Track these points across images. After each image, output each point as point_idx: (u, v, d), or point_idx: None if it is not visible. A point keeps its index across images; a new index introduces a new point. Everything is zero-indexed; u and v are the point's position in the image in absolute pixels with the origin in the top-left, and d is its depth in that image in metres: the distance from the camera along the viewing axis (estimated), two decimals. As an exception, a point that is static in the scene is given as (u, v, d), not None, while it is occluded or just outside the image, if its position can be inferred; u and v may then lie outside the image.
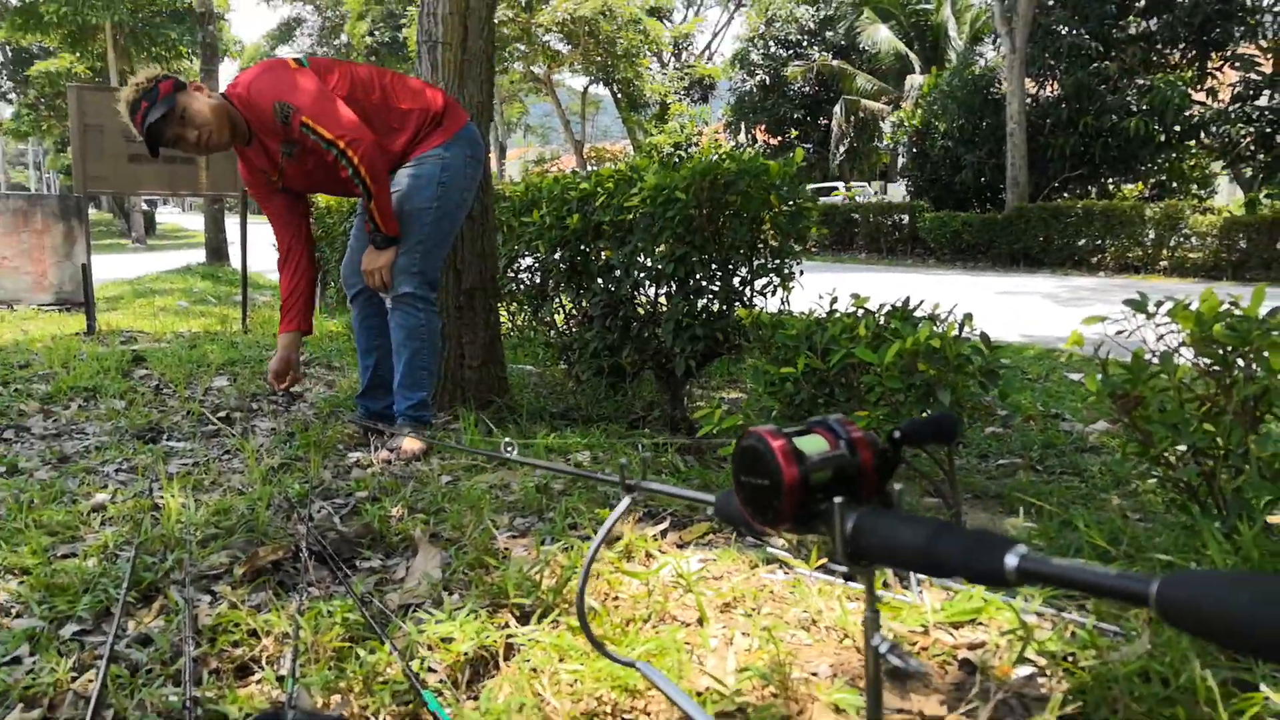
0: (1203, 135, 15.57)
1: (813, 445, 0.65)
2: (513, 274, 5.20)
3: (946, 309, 3.32)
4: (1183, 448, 2.21)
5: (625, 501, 0.98)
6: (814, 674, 1.38)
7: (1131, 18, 15.88)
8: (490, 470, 2.71)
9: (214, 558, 2.00)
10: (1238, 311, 2.06)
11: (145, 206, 25.58)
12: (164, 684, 1.48)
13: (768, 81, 25.36)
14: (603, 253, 4.29)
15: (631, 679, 1.30)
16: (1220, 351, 2.09)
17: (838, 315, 3.34)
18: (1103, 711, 1.23)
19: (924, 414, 2.63)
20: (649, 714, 1.29)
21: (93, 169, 6.51)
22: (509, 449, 1.57)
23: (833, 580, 1.70)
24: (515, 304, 5.49)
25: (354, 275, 3.38)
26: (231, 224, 15.12)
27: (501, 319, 4.73)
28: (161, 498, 2.41)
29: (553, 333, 5.04)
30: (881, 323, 3.21)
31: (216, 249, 14.87)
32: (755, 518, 0.68)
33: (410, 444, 3.03)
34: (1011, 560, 0.51)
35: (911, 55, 23.20)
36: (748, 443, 0.67)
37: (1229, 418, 2.08)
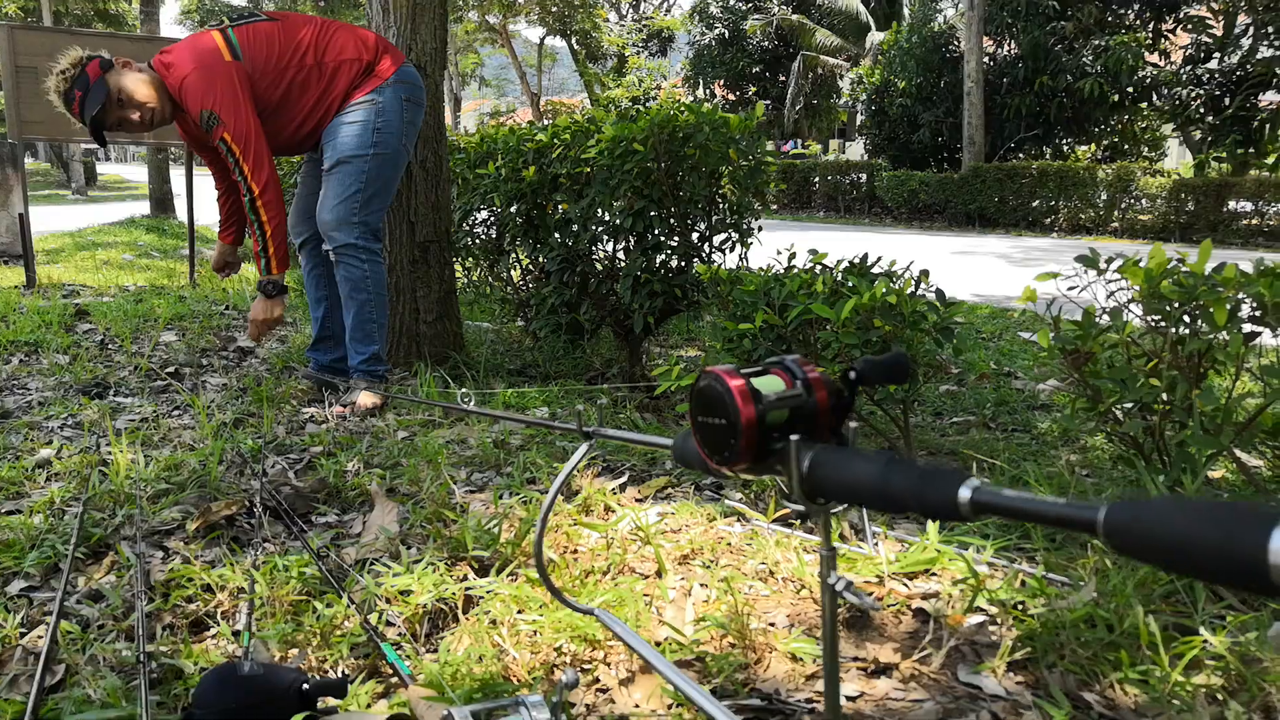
0: (1154, 97, 15.76)
1: (770, 385, 0.65)
2: (468, 228, 5.12)
3: (903, 266, 3.35)
4: (1130, 403, 2.26)
5: (583, 448, 0.97)
6: (771, 624, 1.40)
7: (1088, -23, 15.94)
8: (447, 425, 2.69)
9: (166, 513, 1.97)
10: (1184, 268, 2.10)
11: (85, 156, 24.73)
12: (116, 639, 1.46)
13: (726, 35, 25.10)
14: (560, 206, 4.25)
15: (591, 629, 1.30)
16: (1167, 308, 2.13)
17: (795, 271, 3.35)
18: (1050, 656, 1.26)
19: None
20: (608, 664, 1.30)
21: (27, 113, 6.25)
22: (466, 400, 1.55)
23: (789, 532, 1.72)
24: (471, 259, 5.42)
25: (301, 224, 3.33)
26: (177, 175, 14.70)
27: (457, 274, 4.67)
28: (110, 453, 2.36)
29: (509, 288, 4.99)
30: (839, 279, 3.24)
31: (161, 201, 14.44)
32: (712, 458, 0.68)
33: (365, 399, 2.99)
34: (965, 493, 0.52)
35: (867, 14, 23.11)
36: (704, 382, 0.67)
37: (1174, 373, 2.13)
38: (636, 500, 2.01)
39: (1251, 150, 14.65)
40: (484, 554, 1.62)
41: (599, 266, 4.38)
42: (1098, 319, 2.27)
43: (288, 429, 2.75)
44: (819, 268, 3.37)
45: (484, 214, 5.02)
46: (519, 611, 1.40)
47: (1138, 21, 15.81)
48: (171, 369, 3.58)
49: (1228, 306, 1.94)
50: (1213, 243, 2.08)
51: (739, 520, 1.85)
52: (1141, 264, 2.17)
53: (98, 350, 3.94)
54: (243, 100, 2.86)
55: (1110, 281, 2.27)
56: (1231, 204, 13.17)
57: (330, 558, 1.74)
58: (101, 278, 7.01)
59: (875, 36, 21.46)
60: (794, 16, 23.64)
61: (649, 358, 4.56)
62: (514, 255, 4.84)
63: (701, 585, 1.52)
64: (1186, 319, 2.10)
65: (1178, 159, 20.47)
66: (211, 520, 1.94)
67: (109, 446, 2.44)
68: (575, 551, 1.69)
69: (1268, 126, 14.70)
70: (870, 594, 1.47)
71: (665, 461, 2.34)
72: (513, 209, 4.49)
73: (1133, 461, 2.33)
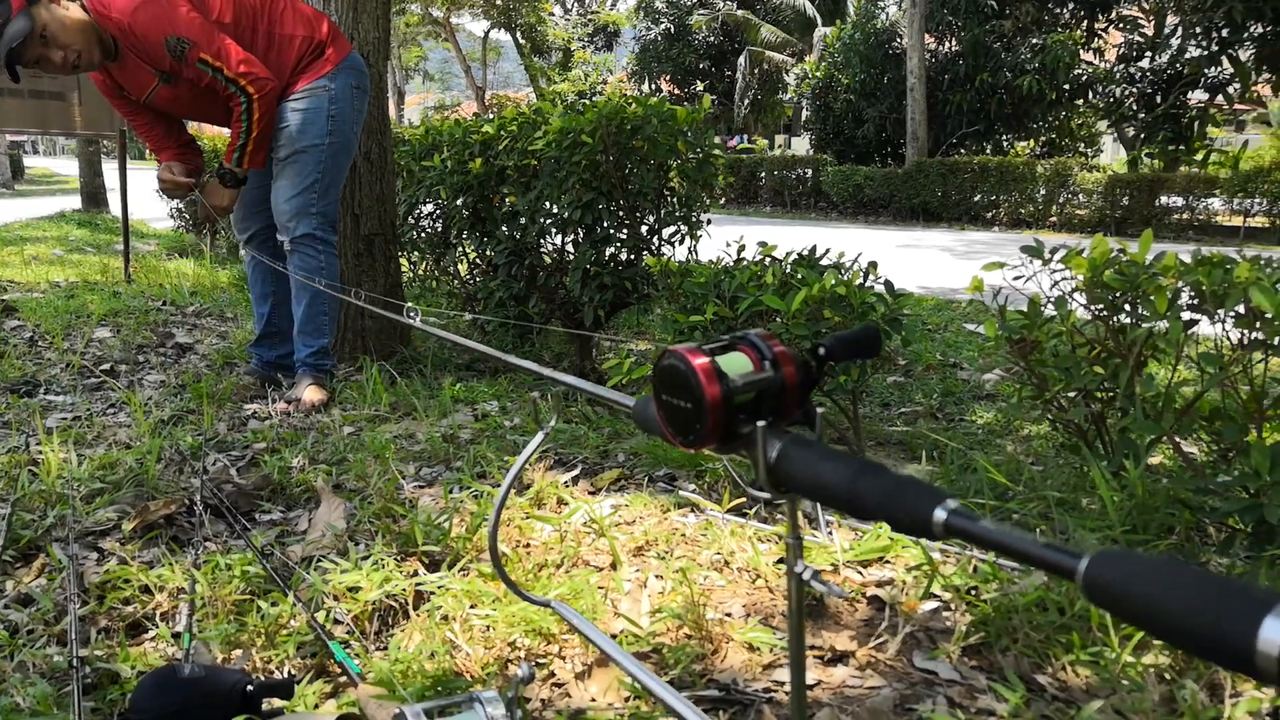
0: (1090, 95, 16.14)
1: (735, 363, 0.63)
2: (413, 221, 5.05)
3: (851, 259, 3.38)
4: (1074, 391, 2.30)
5: (538, 437, 0.95)
6: (728, 614, 1.39)
7: (1025, -24, 16.25)
8: (395, 420, 2.64)
9: (100, 513, 1.90)
10: (1125, 258, 2.14)
11: (10, 149, 23.88)
12: (48, 644, 1.40)
13: (672, 30, 25.13)
14: (507, 199, 4.20)
15: (546, 623, 1.28)
16: (1110, 297, 2.17)
17: (745, 264, 3.36)
18: (1003, 640, 1.27)
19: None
20: (563, 657, 1.28)
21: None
22: (411, 315, 1.51)
23: (745, 522, 1.71)
24: (416, 253, 5.34)
25: (247, 217, 3.23)
26: (110, 169, 14.26)
27: (402, 268, 4.60)
28: (40, 452, 2.27)
29: (456, 282, 4.93)
30: (788, 271, 3.25)
31: (93, 195, 13.98)
32: (676, 437, 0.66)
33: (311, 393, 2.93)
34: (940, 514, 0.50)
35: (813, 9, 23.30)
36: (668, 362, 0.65)
37: (1117, 360, 2.17)
38: (589, 493, 1.99)
39: (1182, 147, 15.08)
40: (435, 549, 1.59)
41: (548, 259, 4.34)
42: (1043, 308, 2.30)
43: (229, 426, 2.68)
44: (768, 260, 3.38)
45: (429, 207, 4.95)
46: (472, 606, 1.38)
47: (1073, 20, 16.17)
48: (106, 366, 3.47)
49: (1168, 295, 1.98)
50: (1139, 236, 2.12)
51: (693, 511, 1.84)
52: (1084, 254, 2.21)
53: (27, 348, 3.80)
54: (203, 16, 2.75)
55: (1055, 272, 2.31)
56: (1164, 199, 13.54)
57: (275, 556, 1.70)
58: (30, 273, 6.77)
59: (820, 32, 21.64)
60: (740, 12, 23.75)
61: (599, 351, 4.54)
62: (460, 248, 4.78)
63: (657, 577, 1.50)
64: (1128, 307, 2.14)
65: (1112, 155, 20.97)
66: (149, 520, 1.87)
67: (39, 445, 2.34)
68: (528, 545, 1.66)
69: (1196, 124, 15.14)
70: (825, 582, 1.47)
71: (618, 454, 2.33)
72: (459, 202, 4.43)
73: (1077, 448, 2.38)
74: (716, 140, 4.11)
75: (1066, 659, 1.22)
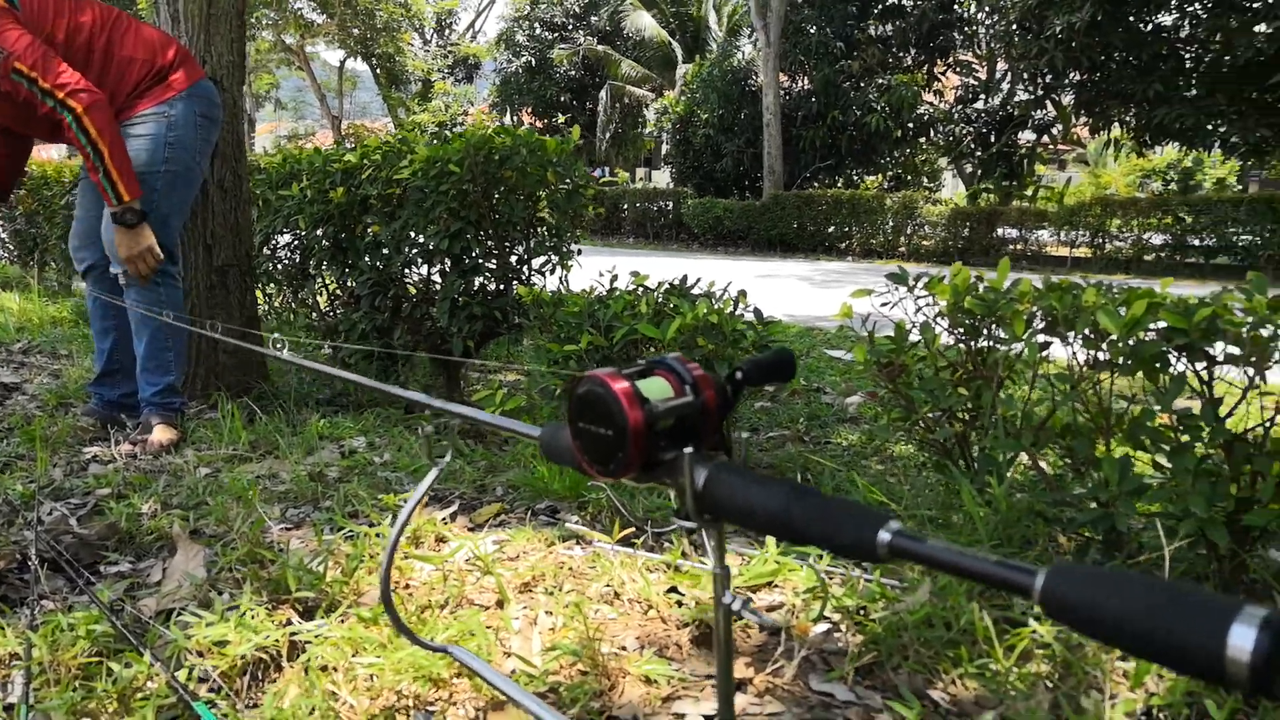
0: (932, 133, 17.13)
1: (655, 388, 0.61)
2: (269, 252, 4.83)
3: (720, 288, 3.43)
4: (939, 412, 2.39)
5: (433, 473, 0.90)
6: (622, 647, 1.36)
7: (871, 21, 17.16)
8: (256, 459, 2.50)
9: (-84, 574, 1.70)
10: (984, 285, 2.25)
11: None
12: None
13: (534, 63, 25.24)
14: (370, 229, 4.08)
15: (434, 668, 1.22)
16: (970, 321, 2.27)
17: (618, 293, 3.36)
18: (895, 658, 1.29)
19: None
20: (454, 703, 1.21)
21: None
22: (279, 347, 1.42)
23: (633, 552, 1.69)
24: (272, 284, 5.11)
25: (84, 248, 3.00)
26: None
27: (258, 300, 4.39)
28: None
29: (314, 315, 4.74)
30: (661, 300, 3.27)
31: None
32: (594, 467, 0.63)
33: (160, 434, 2.73)
34: (884, 536, 0.49)
35: (675, 44, 23.88)
36: (587, 388, 0.62)
37: (979, 382, 2.27)
38: (469, 529, 1.92)
39: (1014, 182, 16.18)
40: (309, 595, 1.49)
41: (413, 290, 4.23)
42: (908, 333, 2.39)
43: (66, 471, 2.46)
44: (641, 289, 3.39)
45: (286, 237, 4.76)
46: (354, 654, 1.29)
47: (914, 64, 17.16)
48: (-81, 410, 3.15)
49: (1024, 319, 2.09)
50: (979, 266, 2.24)
51: (578, 543, 1.80)
52: (946, 281, 2.31)
53: None
54: (23, 28, 2.53)
55: (919, 298, 2.41)
56: (1000, 230, 14.45)
57: (126, 611, 1.55)
58: None
59: (681, 69, 22.17)
60: (600, 47, 24.08)
61: (467, 383, 4.45)
62: (320, 280, 4.61)
63: (547, 613, 1.46)
64: (987, 331, 2.24)
65: (952, 189, 22.27)
66: (-24, 578, 1.69)
67: None
68: (408, 586, 1.58)
69: (1026, 161, 16.29)
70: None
71: (496, 487, 2.26)
72: (319, 232, 4.28)
73: (943, 467, 2.47)
74: (587, 171, 4.12)
75: (956, 673, 1.24)
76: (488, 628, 1.40)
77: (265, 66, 33.03)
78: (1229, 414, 1.94)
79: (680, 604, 1.49)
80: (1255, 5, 11.70)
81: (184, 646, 1.34)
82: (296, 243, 4.70)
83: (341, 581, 1.53)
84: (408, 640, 0.95)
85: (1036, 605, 0.42)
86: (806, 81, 17.91)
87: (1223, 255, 12.24)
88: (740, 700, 1.23)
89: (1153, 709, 1.12)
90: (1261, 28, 11.70)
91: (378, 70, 29.66)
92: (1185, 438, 1.98)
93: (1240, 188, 19.08)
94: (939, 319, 2.37)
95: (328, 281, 4.58)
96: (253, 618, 1.39)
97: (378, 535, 1.71)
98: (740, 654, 1.36)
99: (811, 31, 17.16)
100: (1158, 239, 12.90)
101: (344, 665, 1.26)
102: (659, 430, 0.60)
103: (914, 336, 2.39)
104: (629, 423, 0.59)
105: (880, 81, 16.57)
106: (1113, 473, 2.02)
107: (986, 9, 15.13)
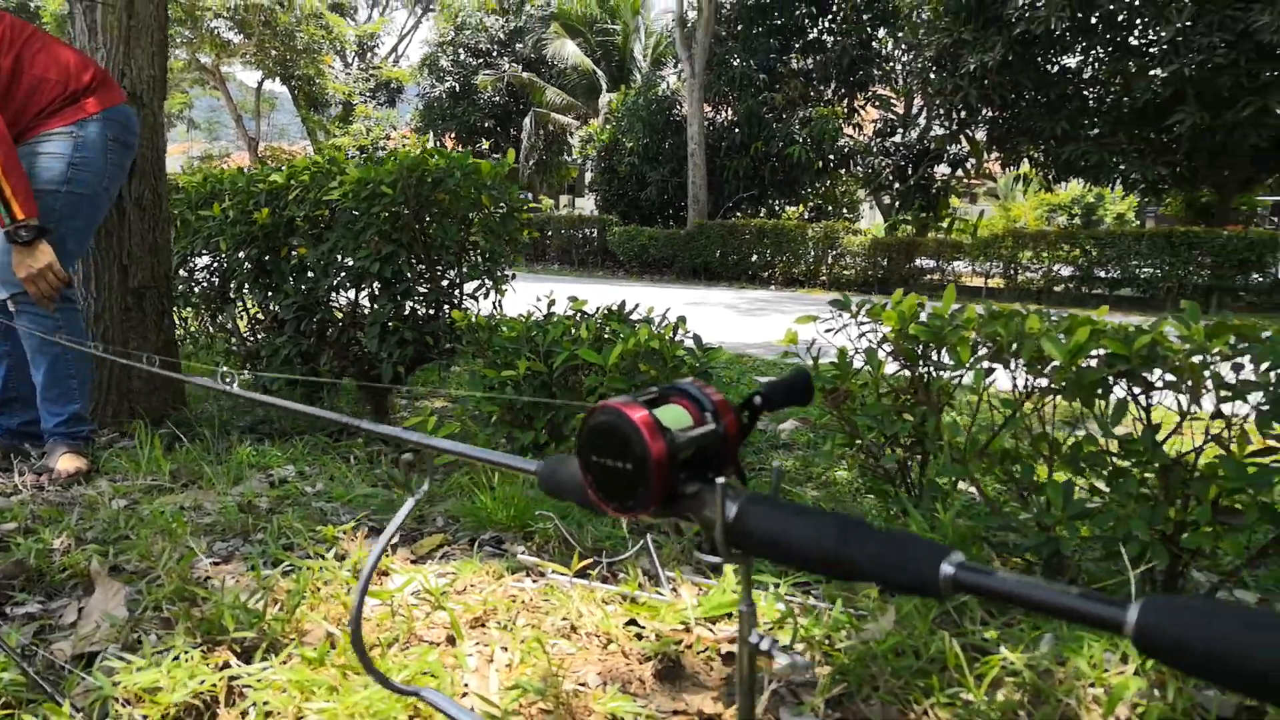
0: (852, 164, 17.56)
1: (674, 417, 0.57)
2: (185, 274, 4.65)
3: (657, 314, 3.42)
4: (884, 438, 2.40)
5: (410, 503, 0.84)
6: (583, 683, 1.31)
7: (793, 55, 17.57)
8: (177, 490, 2.36)
9: None
10: (924, 316, 2.27)
11: None
12: None
13: (457, 89, 25.10)
14: (296, 251, 3.95)
15: (393, 712, 1.14)
16: (915, 348, 2.29)
17: (556, 318, 3.32)
18: (865, 689, 1.26)
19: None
20: (412, 749, 1.14)
21: None
22: (228, 381, 1.34)
23: (589, 585, 1.63)
24: (190, 308, 4.91)
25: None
26: None
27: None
28: None
29: (234, 340, 4.58)
30: (600, 325, 3.24)
31: None
32: (610, 503, 0.59)
33: (67, 463, 2.58)
34: (947, 569, 0.45)
35: (600, 72, 24.02)
36: (602, 419, 0.57)
37: (923, 408, 2.28)
38: (411, 561, 1.84)
39: (930, 214, 16.67)
40: (247, 634, 1.39)
41: (339, 314, 4.11)
42: (851, 360, 2.40)
43: (-33, 505, 2.29)
44: (580, 314, 3.35)
45: (205, 259, 4.59)
46: (303, 699, 1.21)
47: (835, 97, 17.60)
48: None
49: (970, 345, 2.11)
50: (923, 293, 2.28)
51: (528, 575, 1.74)
52: (888, 308, 2.32)
53: None
54: None
55: (862, 324, 2.42)
56: (918, 260, 14.84)
57: (39, 656, 1.43)
58: None
59: (605, 98, 22.30)
60: (525, 74, 24.08)
61: (394, 410, 4.33)
62: (240, 303, 4.45)
63: (503, 649, 1.39)
64: (933, 357, 2.26)
65: (870, 220, 22.84)
66: None
67: None
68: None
69: (941, 194, 16.81)
70: (680, 642, 1.42)
71: (436, 518, 2.18)
72: (241, 254, 4.13)
73: (883, 492, 2.47)
74: (521, 195, 4.07)
75: (928, 703, 1.22)
76: (441, 665, 1.33)
77: (179, 86, 32.14)
78: (1165, 439, 1.98)
79: (640, 637, 1.44)
80: (1153, 50, 12.33)
81: (110, 695, 1.23)
82: (216, 265, 4.54)
83: (283, 620, 1.43)
84: (376, 683, 0.88)
85: (1132, 640, 0.39)
86: (730, 112, 18.19)
87: (1126, 287, 12.78)
88: (711, 737, 1.19)
89: (1127, 736, 1.12)
90: (1158, 72, 12.34)
91: (297, 92, 29.12)
92: (1125, 463, 2.02)
93: (1138, 223, 20.02)
94: (883, 345, 2.38)
95: (249, 305, 4.43)
96: (186, 660, 1.29)
97: (322, 569, 1.62)
98: (705, 688, 1.32)
99: (735, 63, 17.46)
100: (1066, 271, 13.40)
101: (292, 711, 1.18)
102: (681, 461, 0.56)
103: (858, 363, 2.40)
104: (651, 454, 0.54)
105: (802, 114, 16.93)
106: (1056, 497, 2.05)
107: (904, 46, 15.64)
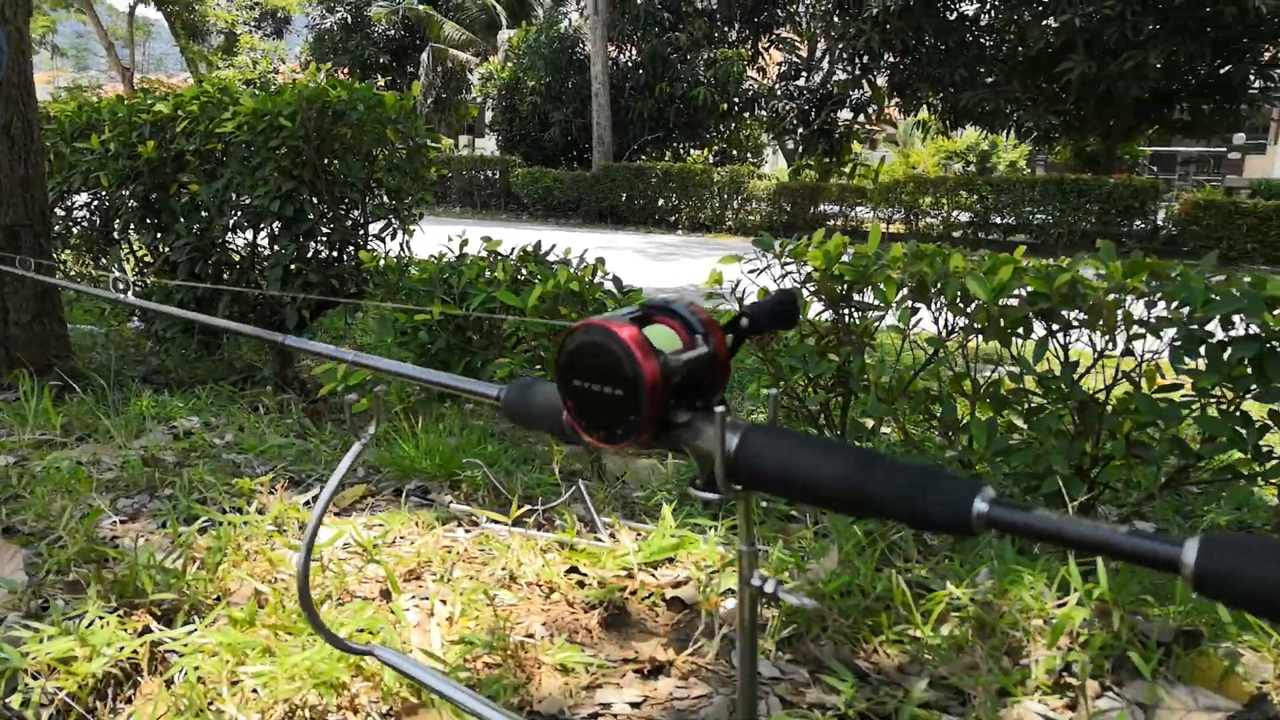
0: (756, 108, 17.54)
1: (662, 338, 0.52)
2: (63, 212, 4.34)
3: (575, 256, 3.35)
4: (808, 379, 2.41)
5: (355, 448, 0.78)
6: (530, 635, 1.27)
7: (697, -8, 17.34)
8: (71, 445, 2.21)
9: None
10: (854, 251, 2.27)
11: None
12: None
13: (349, 21, 23.96)
14: (187, 188, 3.72)
15: (335, 673, 1.08)
16: (840, 288, 2.29)
17: (470, 259, 3.21)
18: (814, 630, 1.26)
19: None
20: (357, 710, 1.08)
21: None
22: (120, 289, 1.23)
23: (528, 533, 1.59)
24: (69, 250, 4.59)
25: None
26: None
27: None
28: None
29: (122, 284, 4.30)
30: (517, 267, 3.15)
31: None
32: (594, 432, 0.53)
33: (-55, 419, 2.38)
34: (981, 506, 0.42)
35: (499, 7, 23.27)
36: (585, 338, 0.51)
37: (848, 349, 2.29)
38: (335, 514, 1.76)
39: (834, 159, 16.85)
40: (168, 597, 1.30)
41: (237, 257, 3.91)
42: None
43: None
44: (495, 256, 3.25)
45: (84, 196, 4.29)
46: (238, 662, 1.13)
47: (739, 39, 17.49)
48: None
49: (896, 284, 2.12)
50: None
51: (459, 524, 1.69)
52: (813, 248, 2.32)
53: None
54: None
55: (785, 264, 2.41)
56: (822, 206, 15.01)
57: (-72, 627, 1.32)
58: None
59: (505, 34, 21.66)
60: (421, 7, 23.17)
61: (298, 359, 4.17)
62: (126, 245, 4.19)
63: (442, 601, 1.33)
64: (857, 297, 2.27)
65: (773, 165, 22.95)
66: None
67: None
68: (279, 580, 1.42)
69: (844, 139, 16.99)
70: (623, 589, 1.39)
71: (357, 469, 2.10)
72: (125, 191, 3.87)
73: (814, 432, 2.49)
74: (430, 130, 3.92)
75: (877, 640, 1.23)
76: (379, 621, 1.27)
77: (39, 7, 29.82)
78: (1081, 377, 2.04)
79: (583, 585, 1.41)
80: (1046, 0, 12.62)
81: (18, 667, 1.13)
82: (97, 203, 4.25)
83: (204, 579, 1.35)
84: (327, 643, 0.82)
85: (1190, 582, 0.36)
86: (635, 52, 17.89)
87: (1020, 233, 13.22)
88: (665, 685, 1.17)
89: (1071, 664, 1.14)
90: (1050, 21, 12.65)
91: (174, 19, 27.37)
92: (1044, 400, 2.08)
93: (1029, 170, 20.68)
94: (806, 285, 2.38)
95: (136, 246, 4.17)
96: (102, 627, 1.20)
97: (244, 524, 1.53)
98: (652, 634, 1.30)
99: (639, 1, 17.14)
100: (964, 216, 13.76)
101: (225, 675, 1.10)
102: (674, 386, 0.51)
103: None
104: (644, 377, 0.49)
105: (707, 55, 16.78)
106: (980, 434, 2.09)
107: (808, -11, 15.63)
